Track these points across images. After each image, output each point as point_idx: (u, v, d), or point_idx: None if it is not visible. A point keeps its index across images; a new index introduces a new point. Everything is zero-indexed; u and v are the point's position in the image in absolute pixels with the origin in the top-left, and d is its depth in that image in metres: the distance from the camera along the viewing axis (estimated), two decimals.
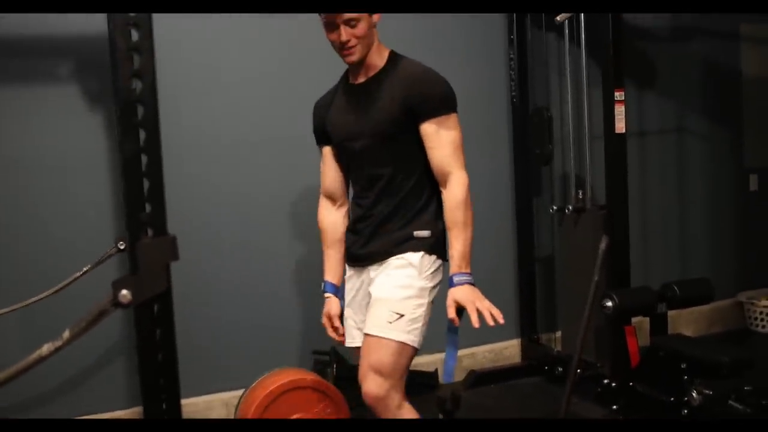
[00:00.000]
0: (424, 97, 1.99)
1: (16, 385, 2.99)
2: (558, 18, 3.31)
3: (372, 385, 1.94)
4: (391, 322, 1.95)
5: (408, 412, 2.00)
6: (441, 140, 1.99)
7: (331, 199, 2.29)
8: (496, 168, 3.81)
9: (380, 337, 1.95)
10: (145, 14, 1.27)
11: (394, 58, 2.09)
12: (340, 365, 3.15)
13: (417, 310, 1.99)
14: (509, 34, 3.73)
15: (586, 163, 3.59)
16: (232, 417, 3.27)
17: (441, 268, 2.09)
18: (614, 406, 3.14)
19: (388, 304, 1.98)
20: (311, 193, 3.31)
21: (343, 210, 2.29)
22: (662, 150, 4.22)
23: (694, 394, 2.70)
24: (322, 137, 2.24)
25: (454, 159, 2.00)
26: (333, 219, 2.28)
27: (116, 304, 1.26)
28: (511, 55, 3.72)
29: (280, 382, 2.66)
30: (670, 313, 3.20)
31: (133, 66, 1.28)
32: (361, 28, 1.98)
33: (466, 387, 3.54)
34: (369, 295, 2.08)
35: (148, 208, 1.28)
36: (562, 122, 3.78)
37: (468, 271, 1.98)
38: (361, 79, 2.10)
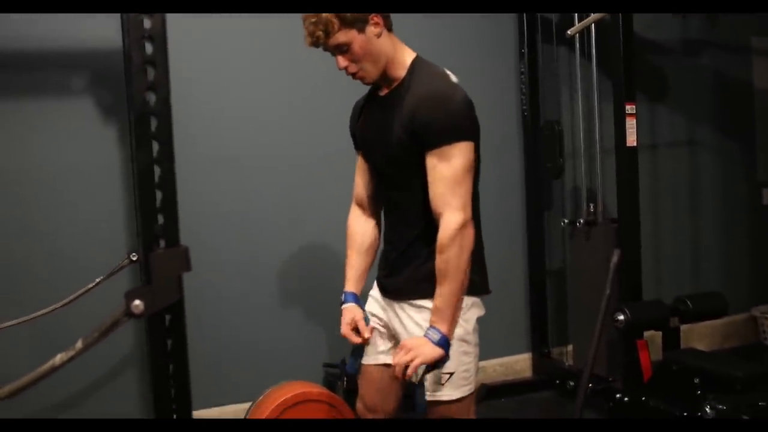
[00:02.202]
0: (427, 125, 1.77)
1: (26, 395, 3.00)
2: (569, 32, 3.32)
3: None
4: (443, 384, 1.87)
5: None
6: (437, 175, 1.77)
7: (361, 207, 2.15)
8: (507, 181, 3.80)
9: (436, 401, 1.88)
10: (160, 28, 1.28)
11: (414, 68, 1.89)
12: (350, 378, 3.14)
13: (465, 360, 1.89)
14: (520, 48, 3.74)
15: (597, 176, 3.59)
16: None
17: (477, 302, 1.94)
18: None
19: None
20: (319, 206, 3.35)
21: (373, 221, 2.13)
22: (674, 163, 4.21)
23: (707, 409, 2.67)
24: (355, 142, 2.13)
25: (447, 197, 1.77)
26: (361, 227, 2.13)
27: (129, 314, 1.27)
28: (522, 69, 3.73)
29: (289, 394, 2.65)
30: (683, 327, 3.18)
31: (148, 79, 1.30)
32: (355, 51, 1.82)
33: (477, 401, 3.52)
34: (396, 330, 2.01)
35: (160, 219, 1.28)
36: (573, 136, 3.78)
37: (442, 329, 1.79)
38: (384, 92, 1.94)
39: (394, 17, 1.93)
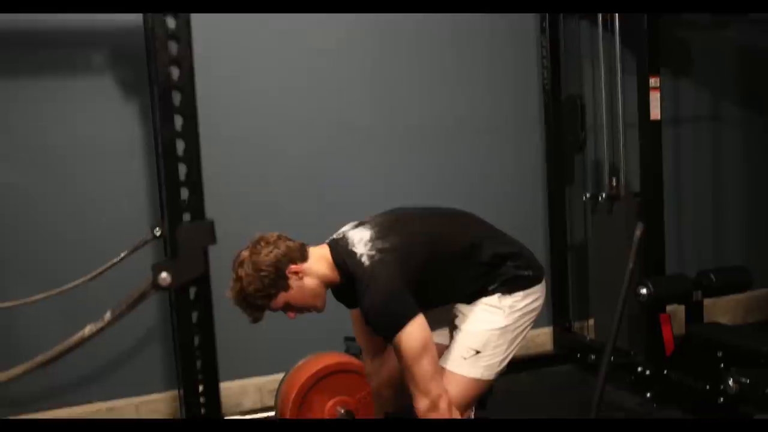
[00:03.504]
0: (376, 330, 1.93)
1: (55, 370, 3.03)
2: None
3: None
4: (465, 358, 1.93)
5: None
6: (399, 362, 1.87)
7: (371, 352, 2.29)
8: (528, 156, 3.79)
9: (451, 371, 1.93)
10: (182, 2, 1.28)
11: (340, 269, 1.94)
12: None
13: (496, 347, 1.94)
14: (541, 22, 3.69)
15: (620, 150, 3.56)
16: (263, 401, 3.32)
17: (525, 295, 2.00)
18: (648, 394, 3.11)
19: (467, 340, 1.95)
20: (344, 177, 3.38)
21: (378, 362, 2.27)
22: (697, 137, 4.15)
23: (730, 383, 2.66)
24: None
25: (410, 385, 1.85)
26: (373, 373, 2.28)
27: (156, 286, 1.28)
28: (544, 44, 3.69)
29: (326, 363, 2.69)
30: (706, 301, 3.16)
31: (171, 53, 1.30)
32: (294, 304, 1.91)
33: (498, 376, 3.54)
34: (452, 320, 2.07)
35: (185, 193, 1.30)
36: (596, 110, 3.74)
37: None
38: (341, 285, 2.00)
39: None
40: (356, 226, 2.00)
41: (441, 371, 1.90)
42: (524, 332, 2.02)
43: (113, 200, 3.08)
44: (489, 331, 1.94)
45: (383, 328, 1.86)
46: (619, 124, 3.58)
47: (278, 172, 3.33)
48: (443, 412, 1.83)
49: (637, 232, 2.61)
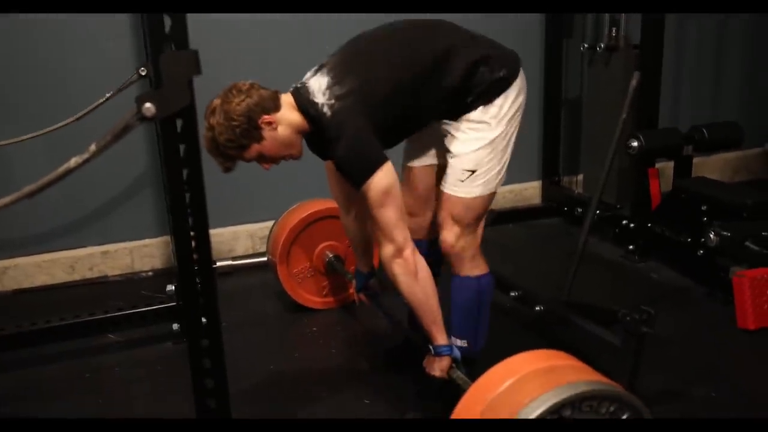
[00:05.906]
0: (343, 175, 1.90)
1: (51, 215, 3.07)
2: None
3: (450, 235, 1.99)
4: (462, 180, 1.94)
5: (478, 267, 2.06)
6: (369, 210, 1.87)
7: (345, 207, 2.26)
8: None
9: (452, 195, 1.95)
10: None
11: (307, 115, 1.87)
12: None
13: (490, 161, 1.94)
14: None
15: None
16: (254, 247, 3.40)
17: (506, 97, 1.93)
18: (630, 246, 3.19)
19: (460, 163, 1.95)
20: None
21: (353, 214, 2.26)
22: None
23: (711, 235, 2.72)
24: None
25: (378, 229, 1.87)
26: (351, 227, 2.29)
27: (141, 117, 1.26)
28: None
29: (316, 208, 2.72)
30: (695, 160, 3.17)
31: None
32: (268, 155, 1.87)
33: (485, 225, 3.60)
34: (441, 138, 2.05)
35: (168, 21, 1.24)
36: None
37: (435, 342, 1.97)
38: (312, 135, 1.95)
39: None
40: (315, 72, 1.94)
41: (405, 218, 1.91)
42: (514, 134, 2.00)
43: (97, 42, 3.00)
44: (479, 149, 1.93)
45: (352, 176, 1.86)
46: None
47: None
48: (407, 257, 1.87)
49: (633, 82, 2.57)
